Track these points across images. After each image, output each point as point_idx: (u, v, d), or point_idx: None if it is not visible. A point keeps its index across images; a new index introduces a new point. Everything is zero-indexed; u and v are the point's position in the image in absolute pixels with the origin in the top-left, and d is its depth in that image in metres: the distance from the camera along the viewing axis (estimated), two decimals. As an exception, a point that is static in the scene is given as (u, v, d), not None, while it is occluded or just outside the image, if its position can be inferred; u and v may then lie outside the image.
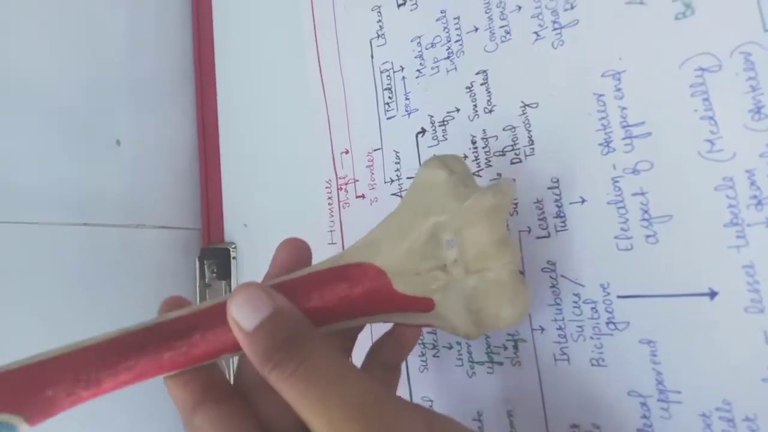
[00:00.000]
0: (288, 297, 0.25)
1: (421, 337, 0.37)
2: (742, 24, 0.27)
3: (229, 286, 0.52)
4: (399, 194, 0.39)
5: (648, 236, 0.29)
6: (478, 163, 0.35)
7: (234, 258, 0.52)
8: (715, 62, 0.27)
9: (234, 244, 0.52)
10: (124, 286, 0.48)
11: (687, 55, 0.28)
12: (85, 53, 0.48)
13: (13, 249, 0.42)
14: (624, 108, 0.30)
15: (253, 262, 0.51)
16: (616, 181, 0.30)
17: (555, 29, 0.32)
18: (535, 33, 0.33)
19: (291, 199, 0.47)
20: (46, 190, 0.44)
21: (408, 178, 0.39)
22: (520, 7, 0.33)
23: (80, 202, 0.46)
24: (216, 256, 0.53)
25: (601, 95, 0.30)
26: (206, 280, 0.53)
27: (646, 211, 0.29)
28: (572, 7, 0.31)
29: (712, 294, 0.27)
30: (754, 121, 0.26)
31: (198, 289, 0.53)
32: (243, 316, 0.23)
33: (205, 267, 0.53)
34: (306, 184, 0.45)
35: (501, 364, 0.34)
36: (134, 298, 0.48)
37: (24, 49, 0.44)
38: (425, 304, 0.27)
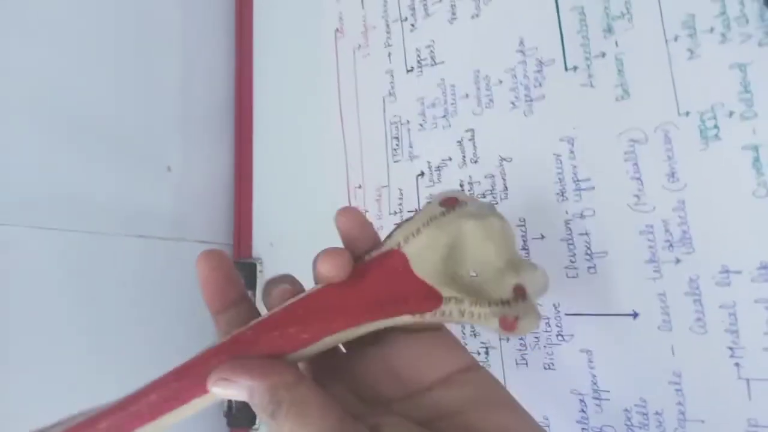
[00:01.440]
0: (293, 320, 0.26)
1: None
2: (664, 108, 0.35)
3: (254, 297, 0.60)
4: (400, 224, 0.48)
5: (589, 267, 0.37)
6: (464, 203, 0.44)
7: (260, 272, 0.61)
8: (642, 136, 0.35)
9: (260, 260, 0.61)
10: (167, 289, 0.56)
11: (623, 128, 0.36)
12: (143, 91, 0.58)
13: (81, 254, 0.51)
14: (575, 167, 0.38)
15: (275, 276, 0.59)
16: (568, 223, 0.38)
17: (527, 101, 0.41)
18: (512, 103, 0.41)
19: (311, 224, 0.56)
20: (108, 205, 0.53)
21: (409, 210, 0.47)
22: (501, 81, 0.42)
23: (136, 217, 0.55)
24: (244, 270, 0.61)
25: (558, 155, 0.39)
26: (234, 289, 0.62)
27: (588, 248, 0.37)
28: (540, 85, 0.40)
29: (635, 315, 0.35)
30: (669, 183, 0.34)
31: (227, 296, 0.62)
32: (230, 397, 0.25)
33: (234, 278, 0.62)
34: (325, 211, 0.53)
35: (475, 367, 0.42)
36: (173, 301, 0.57)
37: (93, 86, 0.54)
38: (432, 302, 0.26)
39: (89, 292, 0.51)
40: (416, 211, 0.28)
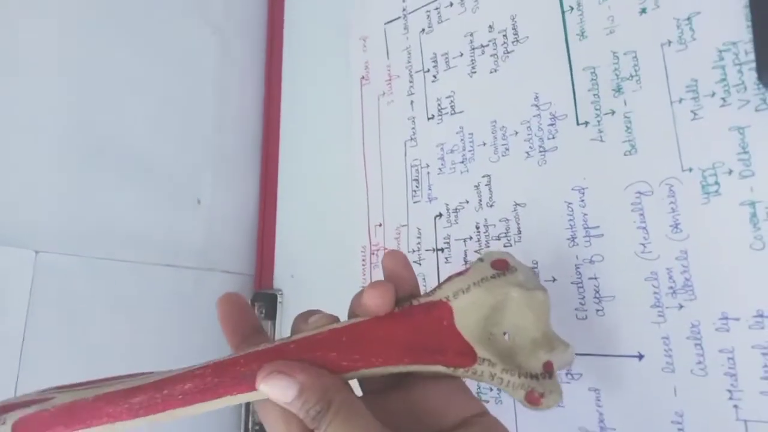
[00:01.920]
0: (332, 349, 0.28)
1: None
2: (668, 163, 0.38)
3: (274, 326, 0.63)
4: (419, 262, 0.50)
5: (598, 310, 0.39)
6: (479, 244, 0.46)
7: (280, 303, 0.63)
8: (648, 188, 0.38)
9: (281, 291, 0.64)
10: (193, 316, 0.59)
11: (630, 181, 0.39)
12: (177, 128, 0.62)
13: (113, 281, 0.54)
14: (586, 214, 0.41)
15: (296, 308, 0.61)
16: (578, 267, 0.41)
17: (540, 152, 0.44)
18: (526, 152, 0.44)
19: (332, 259, 0.59)
20: (140, 235, 0.57)
21: (426, 250, 0.50)
22: (517, 132, 0.45)
23: (166, 247, 0.58)
24: (265, 300, 0.64)
25: (570, 203, 0.41)
26: (255, 318, 0.64)
27: (597, 291, 0.40)
28: (553, 138, 0.43)
29: (641, 356, 0.37)
30: (672, 233, 0.37)
31: (248, 325, 0.64)
32: (275, 395, 0.26)
33: (255, 308, 0.64)
34: (345, 247, 0.57)
35: (487, 402, 0.44)
36: (200, 327, 0.59)
37: (131, 122, 0.57)
38: (468, 359, 0.28)
39: (123, 319, 0.54)
40: (465, 266, 0.31)
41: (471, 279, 0.29)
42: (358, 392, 0.31)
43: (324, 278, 0.60)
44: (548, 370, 0.28)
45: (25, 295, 0.47)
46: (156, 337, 0.56)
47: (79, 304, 0.51)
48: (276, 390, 0.26)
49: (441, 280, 0.30)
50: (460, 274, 0.30)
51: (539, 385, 0.27)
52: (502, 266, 0.29)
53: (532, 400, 0.27)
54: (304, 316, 0.30)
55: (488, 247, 0.46)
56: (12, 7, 0.50)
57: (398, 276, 0.30)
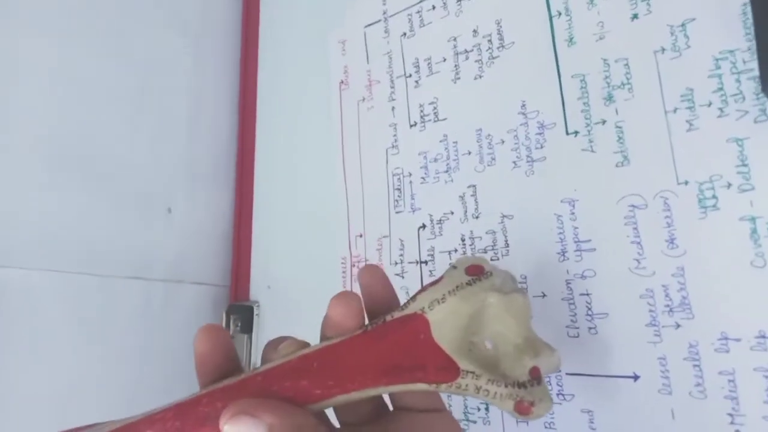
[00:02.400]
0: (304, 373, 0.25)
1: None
2: (663, 176, 0.36)
3: (251, 339, 0.60)
4: (401, 275, 0.48)
5: (590, 328, 0.38)
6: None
7: (257, 315, 0.61)
8: (642, 202, 0.37)
9: (257, 302, 0.61)
10: (165, 331, 0.56)
11: (623, 193, 0.37)
12: (149, 135, 0.59)
13: (79, 297, 0.51)
14: (576, 228, 0.39)
15: (273, 320, 0.59)
16: (569, 283, 0.39)
17: (528, 161, 0.42)
18: (513, 162, 0.43)
19: (311, 270, 0.56)
20: (107, 246, 0.53)
21: (409, 262, 0.48)
22: (503, 141, 0.43)
23: (135, 258, 0.55)
24: (241, 312, 0.61)
25: (560, 216, 0.40)
26: (231, 332, 0.62)
27: (589, 308, 0.38)
28: (541, 147, 0.41)
29: (636, 377, 0.36)
30: (668, 249, 0.35)
31: (223, 340, 0.61)
32: None
33: (231, 321, 0.62)
34: (325, 258, 0.54)
35: (474, 422, 0.42)
36: (172, 342, 0.56)
37: (97, 129, 0.54)
38: (450, 373, 0.26)
39: (90, 336, 0.51)
40: (440, 277, 0.29)
41: (445, 287, 0.27)
42: (336, 423, 0.29)
43: (303, 290, 0.57)
44: (535, 376, 0.26)
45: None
46: (125, 354, 0.53)
47: (44, 322, 0.48)
48: (242, 431, 0.23)
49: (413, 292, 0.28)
50: (433, 283, 0.28)
51: (528, 394, 0.25)
52: (477, 272, 0.28)
53: (522, 410, 0.25)
54: (274, 344, 0.27)
55: (474, 260, 0.44)
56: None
57: (375, 294, 0.28)
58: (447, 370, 0.26)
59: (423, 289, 0.28)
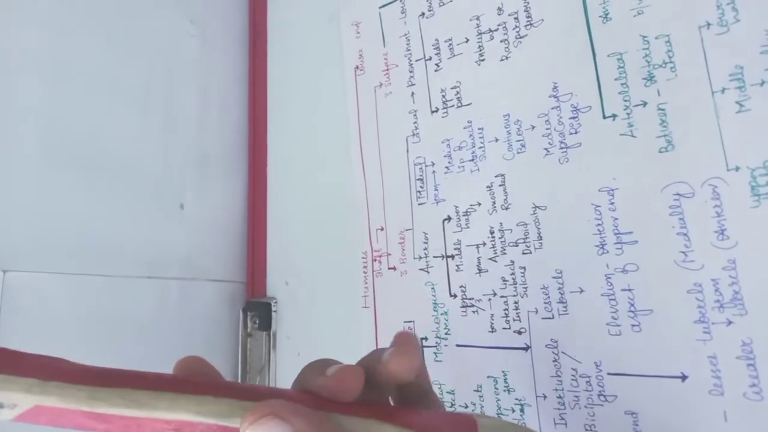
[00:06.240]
0: None
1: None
2: (712, 162, 0.33)
3: (269, 336, 0.59)
4: (426, 270, 0.46)
5: (633, 325, 0.35)
6: (494, 251, 0.42)
7: (275, 311, 0.59)
8: (689, 190, 0.34)
9: (275, 299, 0.59)
10: (180, 331, 0.55)
11: (667, 181, 0.35)
12: (158, 129, 0.56)
13: (90, 298, 0.49)
14: (616, 219, 0.37)
15: (292, 317, 0.57)
16: (609, 278, 0.37)
17: (561, 148, 0.39)
18: (545, 149, 0.40)
19: (330, 265, 0.54)
20: (118, 245, 0.52)
21: (435, 256, 0.46)
22: (533, 126, 0.41)
23: (147, 257, 0.54)
24: (258, 309, 0.60)
25: (598, 206, 0.37)
26: (248, 330, 0.60)
27: (632, 305, 0.36)
28: (576, 132, 0.39)
29: (684, 377, 0.34)
30: (718, 241, 0.33)
31: (240, 337, 0.60)
32: None
33: (248, 318, 0.60)
34: (345, 252, 0.52)
35: None
36: (187, 342, 0.55)
37: (108, 125, 0.52)
38: None
39: (102, 338, 0.49)
40: None
41: None
42: None
43: (322, 285, 0.55)
44: None
45: (-7, 320, 0.43)
46: (141, 357, 0.51)
47: (53, 326, 0.47)
48: None
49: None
50: None
51: None
52: None
53: None
54: (317, 368, 0.25)
55: (504, 254, 0.42)
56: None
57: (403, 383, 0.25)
58: None
59: None
